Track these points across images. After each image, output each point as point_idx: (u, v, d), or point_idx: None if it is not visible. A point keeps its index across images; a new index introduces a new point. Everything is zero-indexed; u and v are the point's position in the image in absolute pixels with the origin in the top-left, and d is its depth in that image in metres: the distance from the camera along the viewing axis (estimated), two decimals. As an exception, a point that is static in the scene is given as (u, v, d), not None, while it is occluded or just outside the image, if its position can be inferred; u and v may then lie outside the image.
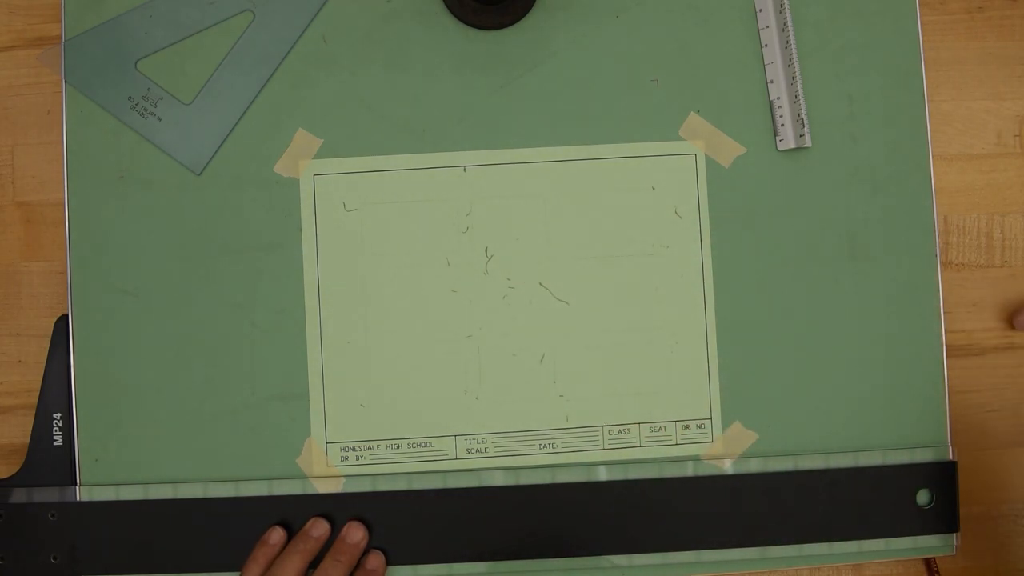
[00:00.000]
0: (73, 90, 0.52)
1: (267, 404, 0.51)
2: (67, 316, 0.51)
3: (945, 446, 0.52)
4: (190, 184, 0.52)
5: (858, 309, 0.52)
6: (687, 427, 0.52)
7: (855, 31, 0.53)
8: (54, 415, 0.51)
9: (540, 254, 0.52)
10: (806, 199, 0.52)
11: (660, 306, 0.52)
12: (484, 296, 0.52)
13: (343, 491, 0.51)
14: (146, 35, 0.52)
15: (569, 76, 0.52)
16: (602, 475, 0.51)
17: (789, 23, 0.52)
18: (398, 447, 0.52)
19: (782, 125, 0.52)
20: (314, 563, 0.49)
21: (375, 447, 0.51)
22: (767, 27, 0.52)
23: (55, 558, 0.50)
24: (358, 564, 0.50)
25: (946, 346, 0.52)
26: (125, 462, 0.51)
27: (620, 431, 0.52)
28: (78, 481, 0.51)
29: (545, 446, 0.52)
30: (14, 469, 0.51)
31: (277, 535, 0.49)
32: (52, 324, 0.52)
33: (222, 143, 0.52)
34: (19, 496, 0.50)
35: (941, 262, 0.53)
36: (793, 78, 0.52)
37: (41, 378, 0.51)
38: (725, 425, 0.52)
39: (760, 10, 0.52)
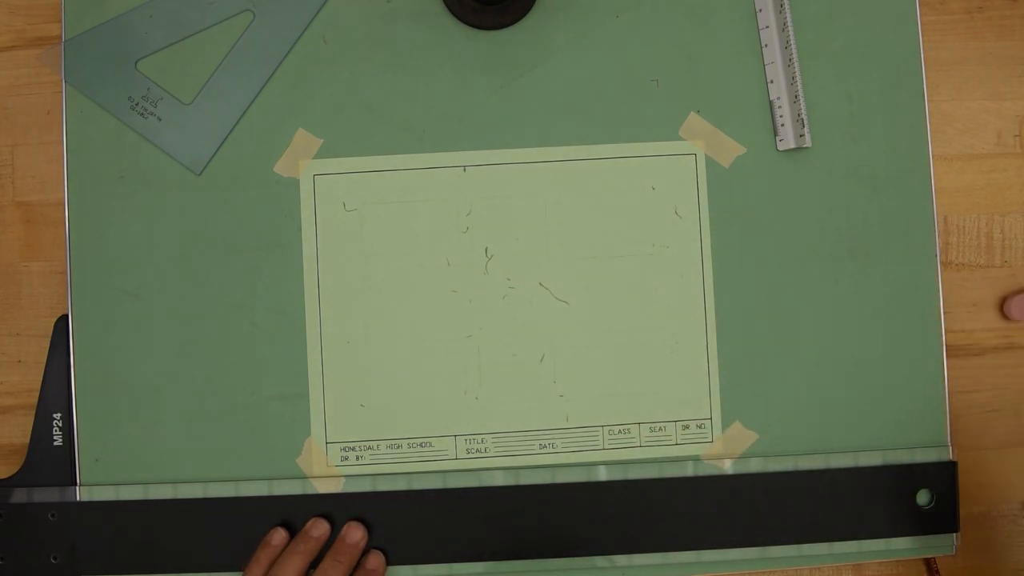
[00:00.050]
0: (73, 90, 0.52)
1: (267, 404, 0.51)
2: (67, 316, 0.51)
3: (945, 446, 0.52)
4: (190, 184, 0.52)
5: (858, 309, 0.52)
6: (687, 427, 0.52)
7: (855, 31, 0.53)
8: (54, 415, 0.51)
9: (540, 254, 0.52)
10: (806, 199, 0.52)
11: (660, 306, 0.52)
12: (484, 296, 0.52)
13: (343, 491, 0.51)
14: (146, 35, 0.52)
15: (569, 76, 0.52)
16: (602, 475, 0.51)
17: (789, 23, 0.52)
18: (398, 447, 0.52)
19: (782, 125, 0.52)
20: (315, 563, 0.49)
21: (375, 447, 0.51)
22: (767, 27, 0.52)
23: (55, 558, 0.50)
24: (358, 564, 0.50)
25: (946, 346, 0.52)
26: (125, 462, 0.51)
27: (620, 431, 0.52)
28: (78, 481, 0.51)
29: (545, 446, 0.52)
30: (14, 469, 0.51)
31: (279, 536, 0.49)
32: (52, 324, 0.52)
33: (222, 143, 0.52)
34: (19, 496, 0.50)
35: (941, 262, 0.53)
36: (793, 78, 0.52)
37: (41, 378, 0.51)
38: (725, 425, 0.52)
39: (760, 10, 0.52)
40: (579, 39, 0.53)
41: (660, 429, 0.52)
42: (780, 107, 0.52)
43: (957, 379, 0.53)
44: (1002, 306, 0.53)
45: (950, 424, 0.52)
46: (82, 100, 0.52)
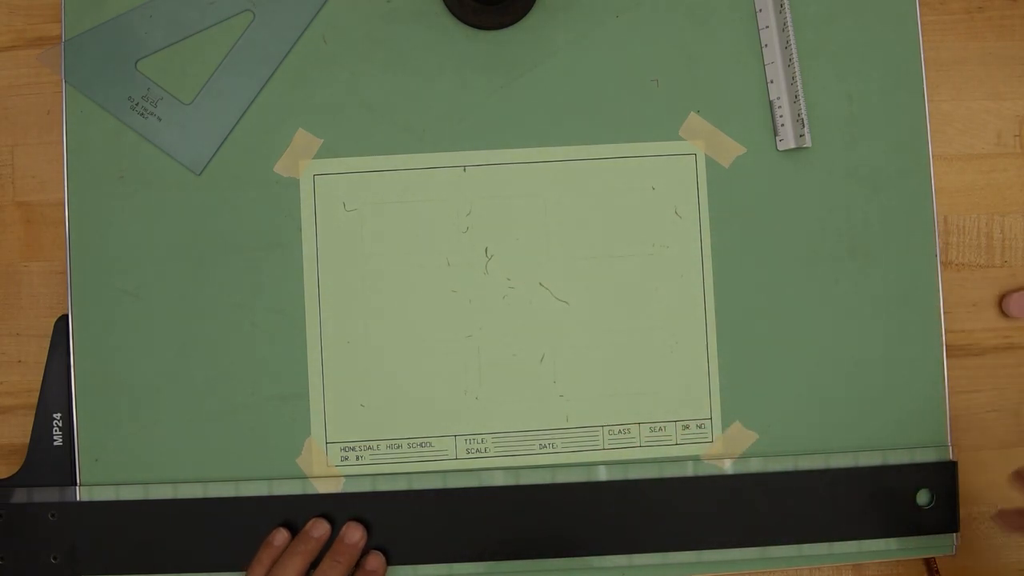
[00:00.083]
0: (73, 90, 0.52)
1: (267, 404, 0.51)
2: (67, 316, 0.51)
3: (945, 446, 0.52)
4: (190, 184, 0.52)
5: (858, 309, 0.52)
6: (687, 427, 0.52)
7: (855, 31, 0.53)
8: (54, 415, 0.51)
9: (540, 254, 0.52)
10: (806, 199, 0.52)
11: (660, 306, 0.52)
12: (484, 296, 0.52)
13: (343, 491, 0.51)
14: (146, 35, 0.52)
15: (569, 76, 0.52)
16: (602, 475, 0.51)
17: (789, 23, 0.52)
18: (398, 447, 0.52)
19: (782, 125, 0.52)
20: (316, 564, 0.49)
21: (375, 447, 0.51)
22: (767, 27, 0.52)
23: (55, 558, 0.50)
24: (358, 564, 0.50)
25: (946, 346, 0.52)
26: (125, 462, 0.51)
27: (620, 431, 0.52)
28: (78, 481, 0.51)
29: (545, 446, 0.52)
30: (14, 469, 0.51)
31: (281, 537, 0.49)
32: (52, 324, 0.52)
33: (222, 143, 0.52)
34: (19, 496, 0.50)
35: (941, 262, 0.53)
36: (793, 78, 0.52)
37: (41, 378, 0.51)
38: (725, 425, 0.52)
39: (760, 10, 0.52)
40: (579, 39, 0.53)
41: (660, 429, 0.52)
42: (780, 107, 0.52)
43: (957, 379, 0.53)
44: (1001, 303, 0.53)
45: (950, 424, 0.52)
46: (82, 100, 0.52)
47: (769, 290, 0.52)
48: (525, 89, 0.52)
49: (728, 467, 0.51)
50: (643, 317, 0.52)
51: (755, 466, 0.51)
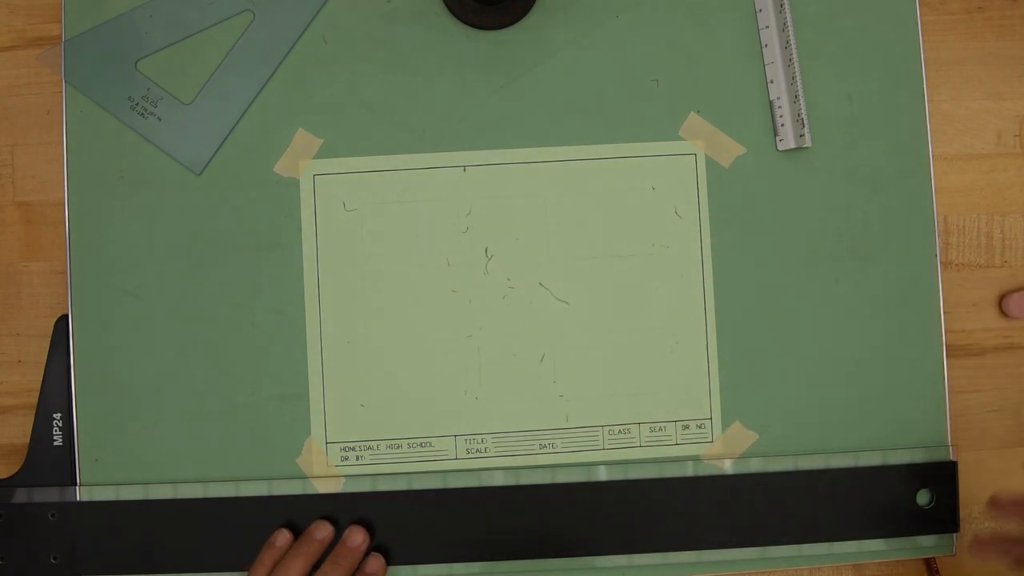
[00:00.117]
0: (73, 90, 0.52)
1: (267, 404, 0.51)
2: (67, 316, 0.51)
3: (945, 446, 0.52)
4: (190, 184, 0.52)
5: (858, 309, 0.52)
6: (687, 427, 0.52)
7: (855, 31, 0.53)
8: (54, 415, 0.51)
9: (540, 254, 0.52)
10: (806, 199, 0.52)
11: (660, 306, 0.52)
12: (484, 296, 0.52)
13: (343, 491, 0.51)
14: (146, 35, 0.52)
15: (569, 76, 0.52)
16: (602, 475, 0.51)
17: (789, 23, 0.52)
18: (398, 447, 0.52)
19: (782, 125, 0.52)
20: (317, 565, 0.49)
21: (375, 447, 0.51)
22: (767, 27, 0.52)
23: (55, 558, 0.50)
24: (358, 567, 0.50)
25: (946, 346, 0.52)
26: (125, 462, 0.51)
27: (620, 431, 0.52)
28: (78, 481, 0.51)
29: (545, 446, 0.52)
30: (14, 469, 0.51)
31: (283, 538, 0.49)
32: (52, 324, 0.52)
33: (222, 143, 0.52)
34: (19, 496, 0.50)
35: (941, 262, 0.53)
36: (793, 78, 0.52)
37: (41, 378, 0.51)
38: (725, 425, 0.52)
39: (760, 10, 0.52)
40: (579, 39, 0.53)
41: (660, 429, 0.52)
42: (780, 107, 0.52)
43: (957, 379, 0.53)
44: (1001, 303, 0.53)
45: (950, 424, 0.52)
46: (82, 100, 0.52)
47: (769, 290, 0.52)
48: (525, 89, 0.52)
49: (728, 467, 0.51)
50: (643, 317, 0.52)
51: (755, 466, 0.51)
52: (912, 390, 0.52)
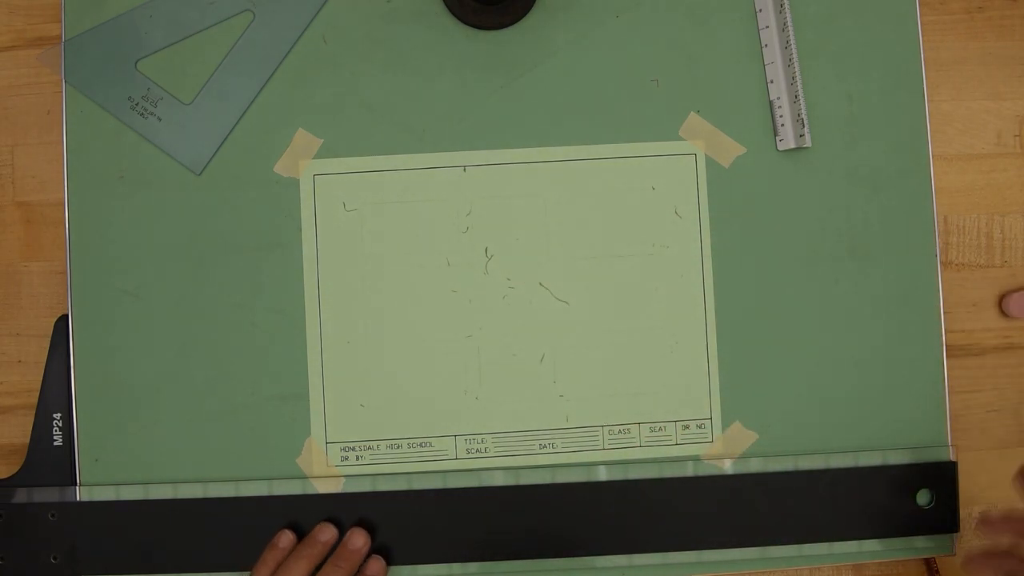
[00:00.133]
0: (73, 90, 0.52)
1: (267, 404, 0.51)
2: (67, 316, 0.51)
3: (945, 446, 0.52)
4: (190, 184, 0.52)
5: (858, 309, 0.52)
6: (687, 427, 0.52)
7: (855, 31, 0.53)
8: (54, 415, 0.51)
9: (540, 254, 0.52)
10: (806, 199, 0.52)
11: (660, 306, 0.52)
12: (484, 296, 0.52)
13: (343, 491, 0.51)
14: (146, 35, 0.52)
15: (569, 76, 0.52)
16: (602, 475, 0.51)
17: (789, 23, 0.52)
18: (398, 447, 0.52)
19: (782, 125, 0.52)
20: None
21: (375, 447, 0.51)
22: (767, 27, 0.52)
23: (55, 558, 0.50)
24: (359, 570, 0.49)
25: (946, 346, 0.52)
26: (125, 462, 0.51)
27: (620, 431, 0.52)
28: (78, 481, 0.51)
29: (545, 446, 0.52)
30: (14, 469, 0.51)
31: (286, 539, 0.49)
32: (52, 324, 0.52)
33: (222, 143, 0.52)
34: (19, 496, 0.50)
35: (941, 262, 0.53)
36: (793, 78, 0.52)
37: (41, 378, 0.51)
38: (725, 425, 0.52)
39: (760, 10, 0.52)
40: (579, 39, 0.53)
41: (660, 429, 0.52)
42: (780, 107, 0.52)
43: (957, 379, 0.53)
44: (1001, 303, 0.53)
45: (950, 424, 0.52)
46: (82, 100, 0.52)
47: (769, 290, 0.52)
48: (525, 89, 0.52)
49: (728, 467, 0.51)
50: (643, 317, 0.52)
51: (755, 466, 0.51)
52: (912, 390, 0.52)
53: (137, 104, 0.52)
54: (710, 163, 0.52)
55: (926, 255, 0.52)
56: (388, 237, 0.52)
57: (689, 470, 0.51)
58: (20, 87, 0.54)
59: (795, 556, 0.51)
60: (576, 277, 0.52)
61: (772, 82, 0.52)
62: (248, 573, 0.49)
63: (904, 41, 0.53)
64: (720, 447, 0.52)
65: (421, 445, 0.52)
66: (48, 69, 0.53)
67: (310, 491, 0.51)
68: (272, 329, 0.51)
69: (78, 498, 0.50)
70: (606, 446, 0.52)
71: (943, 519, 0.51)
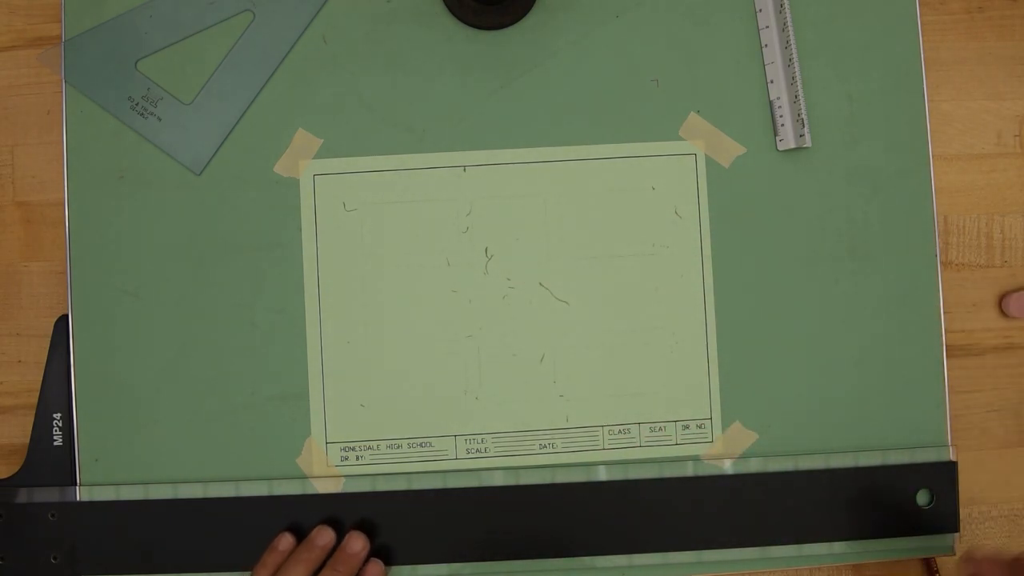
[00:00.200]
0: (73, 90, 0.52)
1: (267, 404, 0.51)
2: (67, 316, 0.51)
3: (945, 446, 0.52)
4: (190, 184, 0.52)
5: (858, 309, 0.52)
6: (687, 427, 0.52)
7: (855, 31, 0.53)
8: (54, 415, 0.51)
9: (540, 254, 0.52)
10: (806, 199, 0.52)
11: (660, 306, 0.52)
12: (484, 296, 0.52)
13: (343, 491, 0.51)
14: (146, 35, 0.52)
15: (569, 76, 0.52)
16: (602, 475, 0.51)
17: (789, 23, 0.52)
18: (398, 447, 0.52)
19: (782, 125, 0.52)
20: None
21: (375, 447, 0.51)
22: (767, 27, 0.52)
23: (55, 558, 0.50)
24: (358, 573, 0.49)
25: (946, 346, 0.52)
26: (125, 462, 0.51)
27: (620, 431, 0.52)
28: (78, 481, 0.51)
29: (545, 446, 0.52)
30: (14, 469, 0.51)
31: (286, 542, 0.49)
32: (52, 324, 0.52)
33: (222, 143, 0.52)
34: (19, 496, 0.50)
35: (941, 262, 0.53)
36: (793, 78, 0.52)
37: (41, 378, 0.51)
38: (725, 425, 0.52)
39: (760, 10, 0.52)
40: (579, 39, 0.53)
41: (660, 429, 0.52)
42: (780, 107, 0.52)
43: (957, 379, 0.53)
44: (1001, 303, 0.53)
45: (950, 424, 0.52)
46: (82, 100, 0.52)
47: (769, 290, 0.52)
48: (525, 89, 0.52)
49: (728, 467, 0.51)
50: (643, 317, 0.52)
51: (755, 466, 0.51)
52: (912, 390, 0.52)
53: (137, 104, 0.52)
54: (710, 163, 0.52)
55: (926, 255, 0.52)
56: (388, 237, 0.52)
57: (689, 470, 0.51)
58: (20, 87, 0.54)
59: (795, 556, 0.51)
60: (576, 277, 0.52)
61: (772, 82, 0.52)
62: (248, 574, 0.49)
63: (904, 41, 0.53)
64: (720, 447, 0.52)
65: (421, 445, 0.52)
66: (48, 69, 0.53)
67: (310, 491, 0.51)
68: (272, 329, 0.51)
69: (78, 498, 0.50)
70: (606, 446, 0.52)
71: (943, 519, 0.51)
